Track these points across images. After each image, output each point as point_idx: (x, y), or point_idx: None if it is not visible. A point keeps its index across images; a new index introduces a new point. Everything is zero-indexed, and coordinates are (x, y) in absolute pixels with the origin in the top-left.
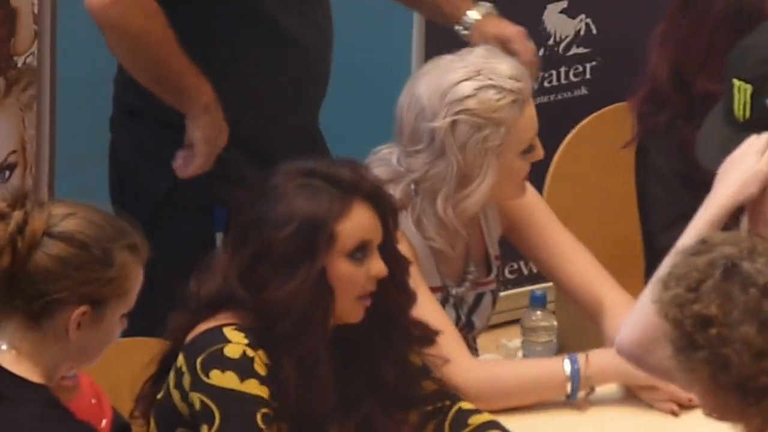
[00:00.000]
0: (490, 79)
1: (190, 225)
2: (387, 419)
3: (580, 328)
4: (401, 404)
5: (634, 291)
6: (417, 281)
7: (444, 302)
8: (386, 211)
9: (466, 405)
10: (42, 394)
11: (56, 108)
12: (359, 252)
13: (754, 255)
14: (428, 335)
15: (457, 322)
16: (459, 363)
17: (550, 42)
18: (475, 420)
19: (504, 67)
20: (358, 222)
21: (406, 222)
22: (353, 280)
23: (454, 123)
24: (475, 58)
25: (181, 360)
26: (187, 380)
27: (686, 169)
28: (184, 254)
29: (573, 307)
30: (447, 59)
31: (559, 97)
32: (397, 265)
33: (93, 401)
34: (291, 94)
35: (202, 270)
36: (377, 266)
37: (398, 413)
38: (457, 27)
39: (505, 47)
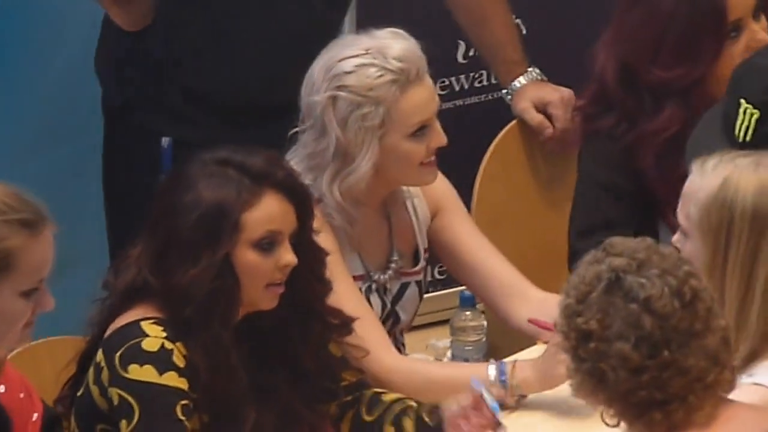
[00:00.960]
0: (375, 57)
1: (140, 145)
2: (308, 410)
3: (509, 327)
4: (322, 395)
5: None
6: (339, 270)
7: (368, 291)
8: (300, 201)
9: (380, 389)
10: None
11: None
12: (266, 242)
13: (643, 268)
14: (345, 323)
15: (383, 310)
16: (380, 355)
17: None
18: (388, 397)
19: (395, 48)
20: (266, 212)
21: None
22: (260, 269)
23: (334, 98)
24: (371, 37)
25: (100, 355)
26: (105, 375)
27: (616, 178)
28: (134, 177)
29: None
30: (350, 38)
31: (490, 97)
32: (311, 254)
33: (22, 395)
34: (244, 44)
35: (119, 261)
36: (286, 257)
37: (319, 404)
38: (504, 91)
39: (545, 111)
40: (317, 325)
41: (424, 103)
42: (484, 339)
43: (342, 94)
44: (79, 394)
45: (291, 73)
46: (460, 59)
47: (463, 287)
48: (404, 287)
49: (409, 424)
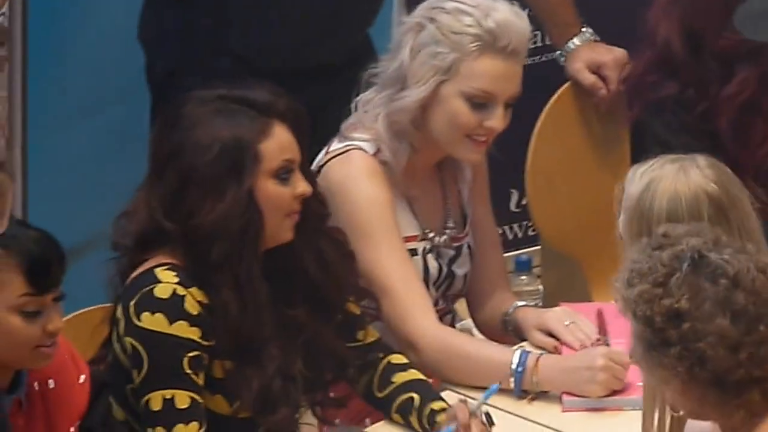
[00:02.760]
0: (477, 10)
1: None
2: (334, 344)
3: (565, 292)
4: (345, 330)
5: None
6: (389, 226)
7: (425, 253)
8: (302, 130)
9: (395, 359)
10: None
11: (28, 69)
12: (283, 172)
13: (719, 246)
14: (344, 242)
15: (440, 273)
16: (415, 316)
17: None
18: (398, 378)
19: (501, 13)
20: (279, 142)
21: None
22: (280, 199)
23: (420, 26)
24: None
25: (118, 309)
26: (122, 326)
27: (695, 146)
28: None
29: (558, 272)
30: None
31: (543, 58)
32: (311, 180)
33: (68, 359)
34: (291, 6)
35: (122, 216)
36: (302, 186)
37: (344, 340)
38: (557, 53)
39: (598, 73)
40: (328, 248)
41: (497, 76)
42: (540, 303)
43: (429, 25)
44: (109, 358)
45: (339, 34)
46: None
47: (520, 251)
48: (458, 251)
49: (414, 421)
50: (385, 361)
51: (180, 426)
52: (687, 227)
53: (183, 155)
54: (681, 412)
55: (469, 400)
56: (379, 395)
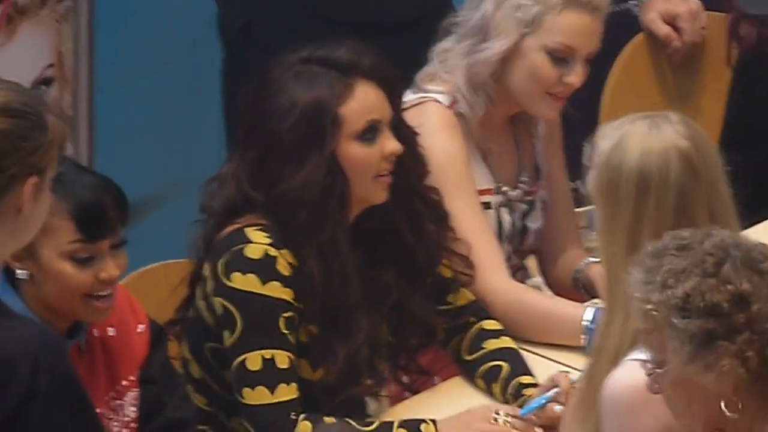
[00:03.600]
0: None
1: (262, 64)
2: (423, 309)
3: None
4: (432, 289)
5: None
6: (464, 181)
7: (499, 206)
8: (391, 86)
9: (488, 324)
10: None
11: (94, 21)
12: (368, 133)
13: (739, 238)
14: (437, 205)
15: (512, 226)
16: (487, 274)
17: None
18: (490, 345)
19: None
20: (363, 103)
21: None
22: (366, 161)
23: None
24: None
25: (206, 267)
26: (210, 285)
27: None
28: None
29: None
30: None
31: (617, 8)
32: (408, 137)
33: (127, 307)
34: None
35: (211, 183)
36: (390, 145)
37: (433, 306)
38: (632, 3)
39: (673, 25)
40: (422, 210)
41: (579, 31)
42: None
43: None
44: (189, 315)
45: None
46: None
47: (592, 207)
48: (531, 205)
49: (497, 389)
50: (477, 325)
51: (282, 386)
52: (691, 231)
53: (265, 122)
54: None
55: (571, 371)
56: (468, 358)
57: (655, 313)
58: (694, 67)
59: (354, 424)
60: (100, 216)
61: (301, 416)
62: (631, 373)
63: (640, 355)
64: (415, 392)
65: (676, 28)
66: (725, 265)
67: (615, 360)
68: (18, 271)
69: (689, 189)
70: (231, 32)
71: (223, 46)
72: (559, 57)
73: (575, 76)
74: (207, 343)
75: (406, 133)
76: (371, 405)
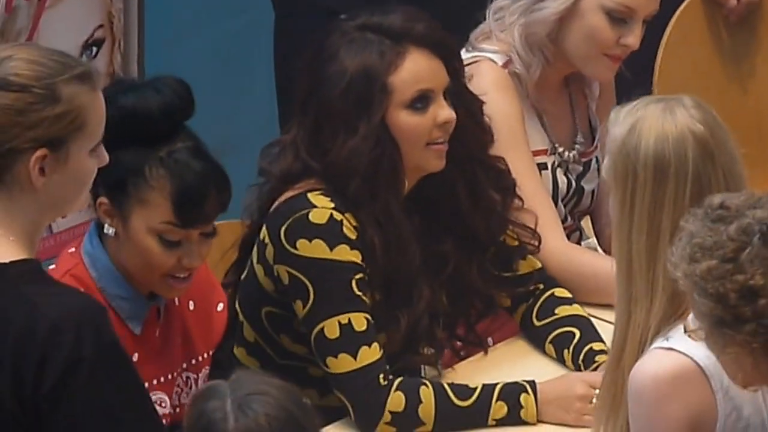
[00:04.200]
0: None
1: (314, 23)
2: (482, 281)
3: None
4: (495, 266)
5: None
6: (518, 141)
7: (554, 167)
8: (447, 53)
9: (559, 292)
10: (16, 271)
11: None
12: (419, 102)
13: None
14: (504, 174)
15: (568, 188)
16: (543, 235)
17: None
18: (562, 311)
19: None
20: (413, 71)
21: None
22: (417, 129)
23: None
24: None
25: (264, 232)
26: (270, 252)
27: None
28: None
29: None
30: None
31: None
32: (469, 104)
33: (208, 284)
34: None
35: (271, 147)
36: (443, 113)
37: (493, 278)
38: None
39: None
40: (483, 179)
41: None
42: None
43: None
44: (242, 277)
45: None
46: None
47: None
48: (587, 166)
49: (568, 356)
50: (548, 292)
51: (365, 348)
52: (744, 196)
53: (318, 89)
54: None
55: None
56: (538, 324)
57: (681, 282)
58: (750, 27)
59: (451, 394)
60: (199, 205)
61: (395, 383)
62: (656, 362)
63: (665, 343)
64: (467, 355)
65: None
66: (744, 252)
67: (640, 350)
68: (106, 227)
69: (706, 174)
70: None
71: (275, 6)
72: (618, 18)
73: (633, 38)
74: (264, 307)
75: (468, 101)
76: (426, 372)
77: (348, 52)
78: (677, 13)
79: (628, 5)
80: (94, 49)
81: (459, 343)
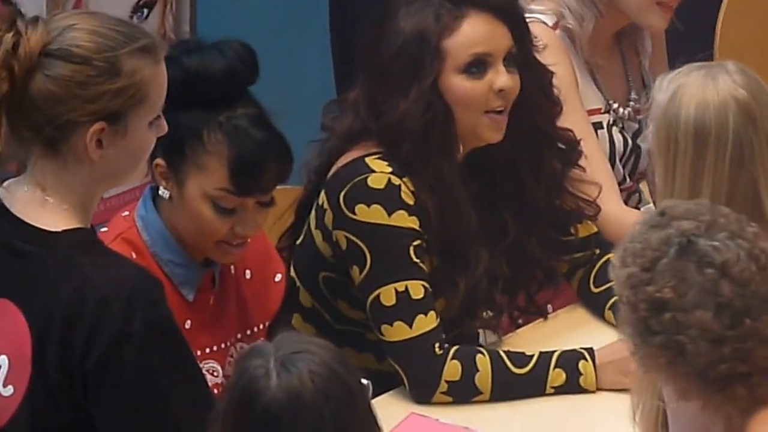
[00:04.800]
0: None
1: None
2: (541, 251)
3: None
4: (554, 236)
5: None
6: (573, 102)
7: (610, 126)
8: (511, 17)
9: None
10: (68, 240)
11: None
12: (474, 67)
13: (713, 230)
14: (573, 146)
15: (625, 147)
16: (604, 205)
17: None
18: None
19: None
20: (470, 35)
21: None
22: (472, 95)
23: None
24: None
25: (322, 197)
26: (329, 217)
27: None
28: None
29: None
30: None
31: None
32: (536, 72)
33: (265, 254)
34: None
35: (336, 102)
36: (501, 79)
37: (552, 248)
38: None
39: None
40: (547, 153)
41: None
42: None
43: None
44: (298, 242)
45: None
46: None
47: None
48: (642, 124)
49: None
50: (605, 257)
51: (420, 317)
52: (687, 206)
53: (376, 50)
54: (670, 403)
55: None
56: (595, 290)
57: (614, 283)
58: None
59: (508, 362)
60: (256, 174)
61: (451, 352)
62: None
63: None
64: (526, 324)
65: None
66: (660, 262)
67: None
68: (161, 189)
69: (748, 140)
70: None
71: None
72: None
73: None
74: (321, 272)
75: (536, 70)
76: (484, 337)
77: (406, 14)
78: None
79: None
80: (145, 10)
81: (519, 315)
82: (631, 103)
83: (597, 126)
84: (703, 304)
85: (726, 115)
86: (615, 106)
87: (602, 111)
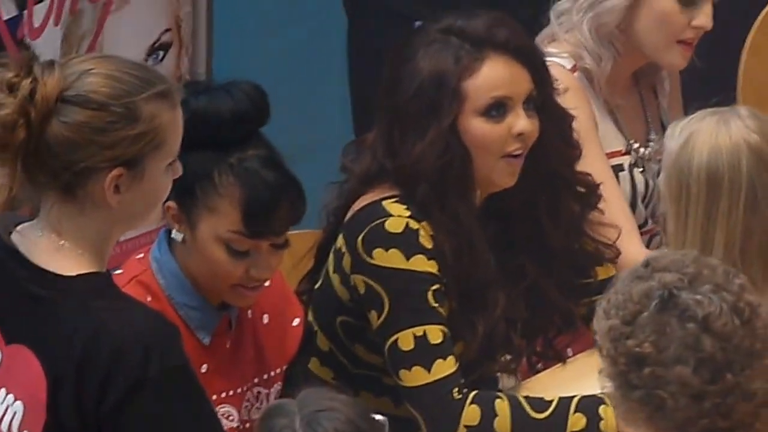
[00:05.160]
0: None
1: (388, 29)
2: (560, 296)
3: None
4: (572, 280)
5: None
6: (590, 144)
7: (632, 167)
8: (531, 61)
9: None
10: (84, 285)
11: None
12: (494, 110)
13: (696, 283)
14: (593, 190)
15: (646, 188)
16: (624, 247)
17: None
18: None
19: None
20: (490, 78)
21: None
22: (490, 138)
23: None
24: None
25: (340, 240)
26: (347, 261)
27: None
28: (382, 61)
29: None
30: None
31: None
32: (555, 116)
33: (283, 298)
34: None
35: (355, 143)
36: (519, 123)
37: (570, 291)
38: None
39: None
40: (566, 197)
41: None
42: None
43: None
44: (317, 286)
45: None
46: None
47: None
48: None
49: None
50: None
51: (439, 362)
52: (671, 258)
53: (394, 90)
54: None
55: None
56: None
57: (596, 335)
58: None
59: (527, 407)
60: (269, 216)
61: (470, 396)
62: None
63: None
64: (545, 368)
65: None
66: (641, 315)
67: None
68: (174, 232)
69: (762, 184)
70: None
71: (347, 11)
72: (686, 2)
73: (704, 18)
74: (339, 316)
75: (555, 114)
76: (503, 381)
77: (425, 55)
78: (762, 12)
79: None
80: (161, 53)
81: (537, 360)
82: (651, 143)
83: (618, 168)
84: (684, 359)
85: (739, 159)
86: (636, 146)
87: (623, 152)
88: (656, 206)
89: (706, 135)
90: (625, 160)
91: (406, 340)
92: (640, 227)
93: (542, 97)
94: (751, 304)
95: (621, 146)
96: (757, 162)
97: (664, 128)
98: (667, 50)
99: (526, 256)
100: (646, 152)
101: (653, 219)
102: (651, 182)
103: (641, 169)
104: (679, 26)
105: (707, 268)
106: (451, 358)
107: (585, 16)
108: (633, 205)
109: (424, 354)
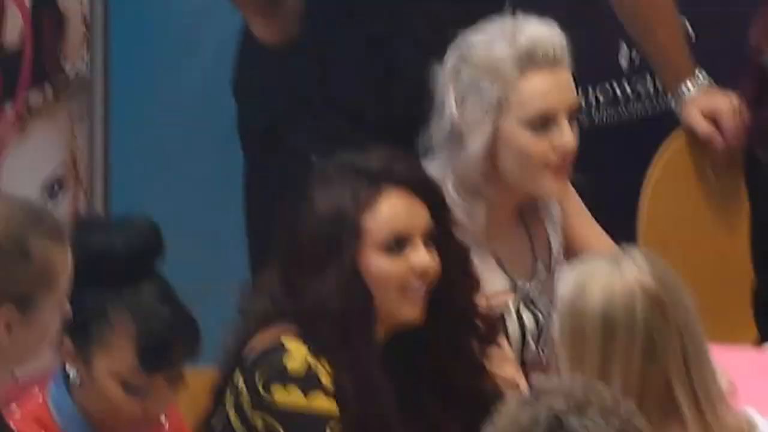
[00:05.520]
0: (504, 35)
1: (286, 166)
2: (459, 429)
3: None
4: (474, 415)
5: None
6: None
7: (518, 306)
8: (429, 195)
9: None
10: None
11: (110, 118)
12: (395, 244)
13: (584, 409)
14: (492, 326)
15: (537, 324)
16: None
17: None
18: None
19: (529, 29)
20: (388, 212)
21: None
22: (389, 274)
23: (455, 71)
24: (512, 20)
25: (237, 376)
26: (246, 399)
27: None
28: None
29: None
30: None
31: (654, 104)
32: (455, 249)
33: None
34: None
35: (247, 286)
36: (419, 258)
37: (470, 426)
38: (670, 97)
39: (716, 124)
40: (466, 333)
41: (548, 90)
42: None
43: (463, 67)
44: (214, 424)
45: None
46: (622, 62)
47: None
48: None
49: None
50: None
51: None
52: (560, 382)
53: (290, 229)
54: None
55: None
56: None
57: None
58: (737, 168)
59: None
60: (164, 351)
61: None
62: None
63: None
64: None
65: (718, 127)
66: None
67: None
68: (71, 375)
69: (657, 330)
70: (255, 133)
71: (245, 147)
72: (540, 124)
73: (565, 136)
74: None
75: (454, 249)
76: None
77: (321, 192)
78: (661, 150)
79: (543, 108)
80: (56, 188)
81: None
82: (538, 273)
83: (504, 312)
84: None
85: (633, 303)
86: (520, 283)
87: (509, 291)
88: (547, 340)
89: (599, 278)
90: (511, 300)
91: None
92: (533, 364)
93: (441, 231)
94: (638, 428)
95: (505, 286)
96: (652, 307)
97: (551, 254)
98: (538, 181)
99: (429, 395)
100: (532, 284)
101: (545, 352)
102: (541, 317)
103: (529, 305)
104: (540, 154)
105: (594, 393)
106: None
107: (446, 174)
108: (523, 345)
109: None
